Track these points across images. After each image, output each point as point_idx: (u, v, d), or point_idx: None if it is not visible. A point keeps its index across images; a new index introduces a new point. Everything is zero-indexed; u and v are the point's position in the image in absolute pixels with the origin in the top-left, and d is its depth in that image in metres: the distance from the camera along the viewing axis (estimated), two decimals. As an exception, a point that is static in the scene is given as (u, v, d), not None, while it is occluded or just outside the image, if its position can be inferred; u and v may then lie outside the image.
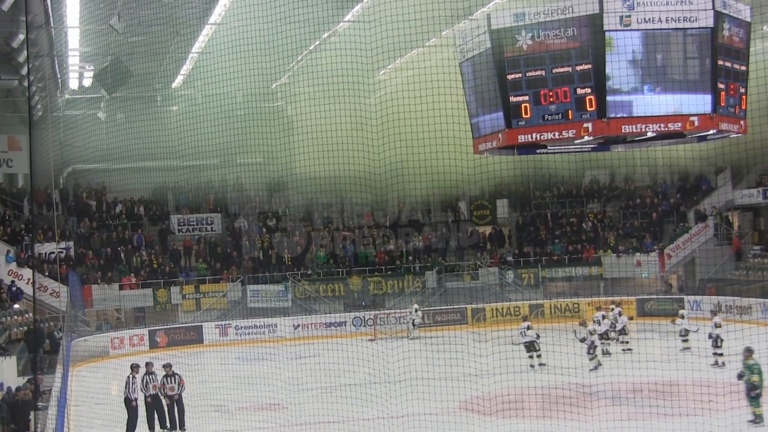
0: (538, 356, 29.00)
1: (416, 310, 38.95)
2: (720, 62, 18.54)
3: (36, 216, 42.31)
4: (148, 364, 22.96)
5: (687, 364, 25.91)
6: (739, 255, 43.01)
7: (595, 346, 28.44)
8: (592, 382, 24.25)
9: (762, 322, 35.24)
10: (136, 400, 22.32)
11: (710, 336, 28.23)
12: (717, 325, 27.99)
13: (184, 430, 22.44)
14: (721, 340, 27.72)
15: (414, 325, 38.59)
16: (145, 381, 22.56)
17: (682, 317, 31.22)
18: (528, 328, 29.64)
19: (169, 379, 22.54)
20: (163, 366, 22.77)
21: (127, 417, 22.35)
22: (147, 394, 22.48)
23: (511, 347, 29.10)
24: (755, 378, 19.72)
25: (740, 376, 20.18)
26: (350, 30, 31.28)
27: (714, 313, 29.88)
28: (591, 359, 28.11)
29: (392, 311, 41.13)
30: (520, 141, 19.45)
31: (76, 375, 30.96)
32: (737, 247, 43.28)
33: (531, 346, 29.09)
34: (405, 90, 25.09)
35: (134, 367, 22.78)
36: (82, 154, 39.83)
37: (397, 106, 25.25)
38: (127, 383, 22.44)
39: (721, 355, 27.47)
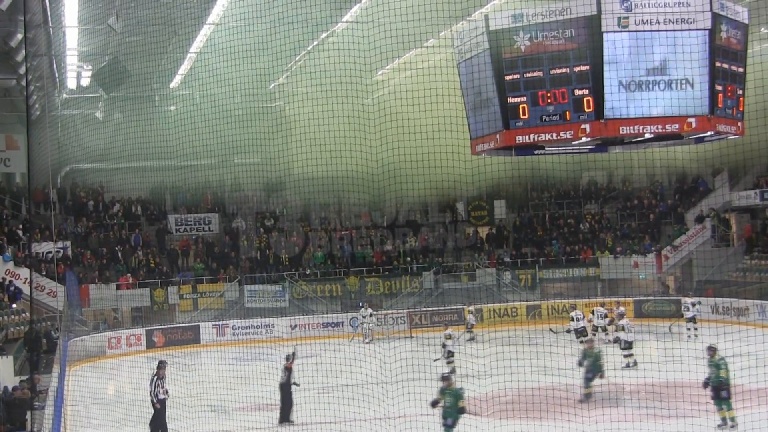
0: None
1: (370, 315, 38.62)
2: (718, 64, 18.55)
3: (33, 215, 42.28)
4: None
5: (684, 366, 25.92)
6: (750, 243, 43.11)
7: (452, 353, 29.05)
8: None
9: (759, 323, 35.27)
10: (164, 399, 21.88)
11: (616, 340, 28.79)
12: (620, 328, 28.49)
13: None
14: (627, 342, 28.34)
15: (369, 328, 38.14)
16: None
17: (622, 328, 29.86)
18: (618, 319, 30.90)
19: None
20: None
21: (153, 416, 22.12)
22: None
23: (507, 348, 29.08)
24: (462, 403, 18.80)
25: (434, 404, 19.01)
26: (348, 30, 31.26)
27: (621, 315, 30.22)
28: (448, 363, 28.60)
29: (390, 312, 41.13)
30: (517, 142, 19.44)
31: (72, 375, 30.94)
32: (748, 234, 43.42)
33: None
34: (403, 91, 25.08)
35: (162, 365, 22.30)
36: (80, 154, 39.81)
37: (394, 106, 25.24)
38: (153, 382, 21.86)
39: (631, 356, 28.02)
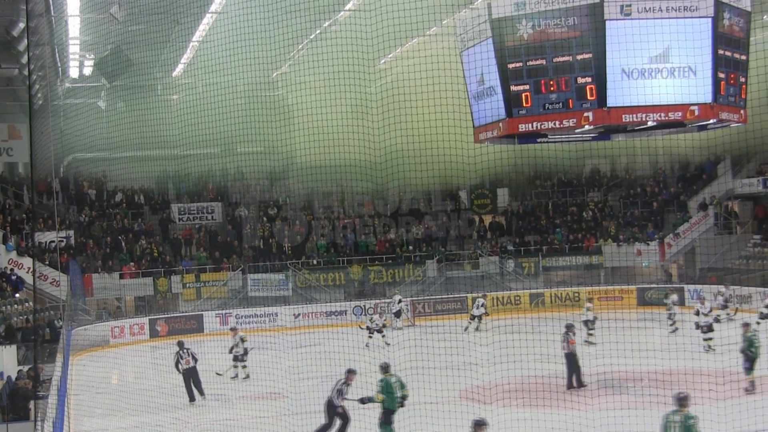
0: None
1: (399, 301, 38.39)
2: (720, 51, 18.53)
3: (36, 205, 42.32)
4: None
5: (687, 353, 25.95)
6: (763, 224, 43.27)
7: (246, 353, 28.47)
8: (592, 371, 24.26)
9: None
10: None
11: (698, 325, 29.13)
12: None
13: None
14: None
15: (395, 316, 37.83)
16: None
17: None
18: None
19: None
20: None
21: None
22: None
23: (511, 336, 29.07)
24: None
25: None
26: (351, 19, 31.20)
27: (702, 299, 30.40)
28: (243, 368, 28.25)
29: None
30: (520, 130, 19.46)
31: (76, 364, 31.00)
32: (762, 215, 43.47)
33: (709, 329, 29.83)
34: (406, 79, 25.06)
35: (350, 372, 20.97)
36: (83, 143, 39.79)
37: (397, 95, 25.23)
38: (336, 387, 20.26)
39: (711, 339, 28.26)
